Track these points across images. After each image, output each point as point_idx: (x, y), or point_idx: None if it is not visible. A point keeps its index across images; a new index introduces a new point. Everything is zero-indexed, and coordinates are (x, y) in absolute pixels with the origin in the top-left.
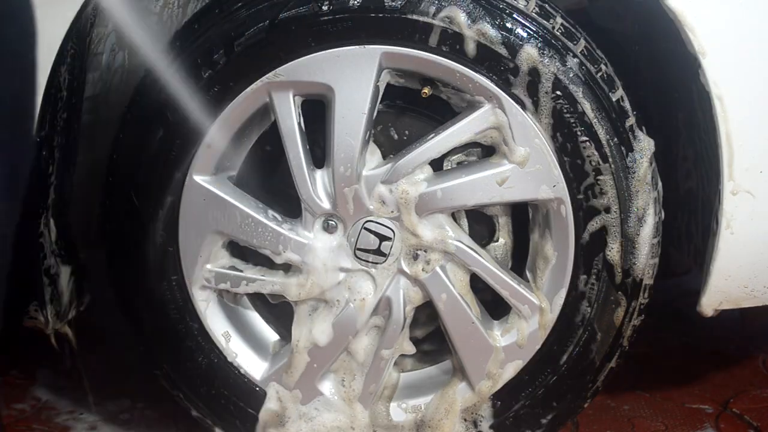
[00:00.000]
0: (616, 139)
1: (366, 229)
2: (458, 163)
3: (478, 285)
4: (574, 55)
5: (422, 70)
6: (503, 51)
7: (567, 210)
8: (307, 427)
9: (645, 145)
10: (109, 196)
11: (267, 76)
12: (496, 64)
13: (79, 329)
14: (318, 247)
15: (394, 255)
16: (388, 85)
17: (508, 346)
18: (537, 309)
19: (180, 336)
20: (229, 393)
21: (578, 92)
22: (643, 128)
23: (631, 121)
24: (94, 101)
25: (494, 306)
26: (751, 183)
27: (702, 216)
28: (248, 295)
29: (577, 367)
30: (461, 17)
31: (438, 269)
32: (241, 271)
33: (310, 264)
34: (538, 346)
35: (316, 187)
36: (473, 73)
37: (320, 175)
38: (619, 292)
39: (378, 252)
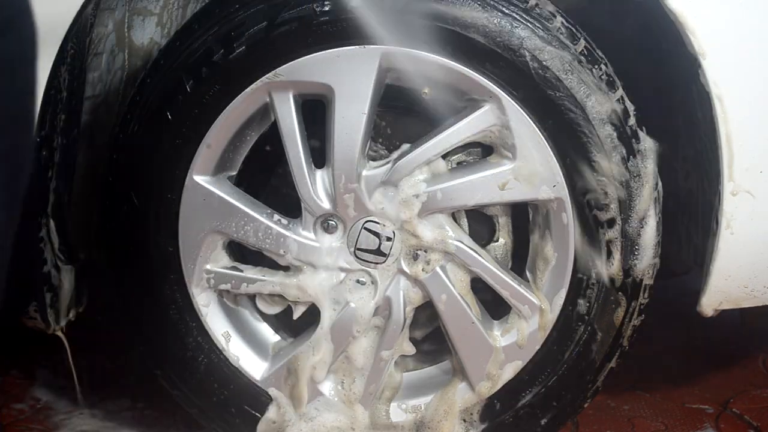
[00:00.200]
0: (616, 140)
1: (366, 229)
2: (458, 163)
3: (478, 285)
4: (574, 55)
5: (422, 70)
6: (503, 51)
7: (567, 210)
8: (307, 427)
9: (647, 145)
10: (109, 196)
11: (267, 76)
12: (496, 64)
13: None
14: (318, 247)
15: (394, 255)
16: (388, 85)
17: (507, 347)
18: (537, 309)
19: (180, 336)
20: (229, 392)
21: (579, 92)
22: (644, 128)
23: (632, 121)
24: (94, 101)
25: (494, 306)
26: (751, 183)
27: (702, 216)
28: (248, 295)
29: (577, 367)
30: None
31: (438, 269)
32: (241, 271)
33: (310, 264)
34: (537, 347)
35: (316, 187)
36: (473, 73)
37: (320, 175)
38: (620, 293)
39: (378, 252)
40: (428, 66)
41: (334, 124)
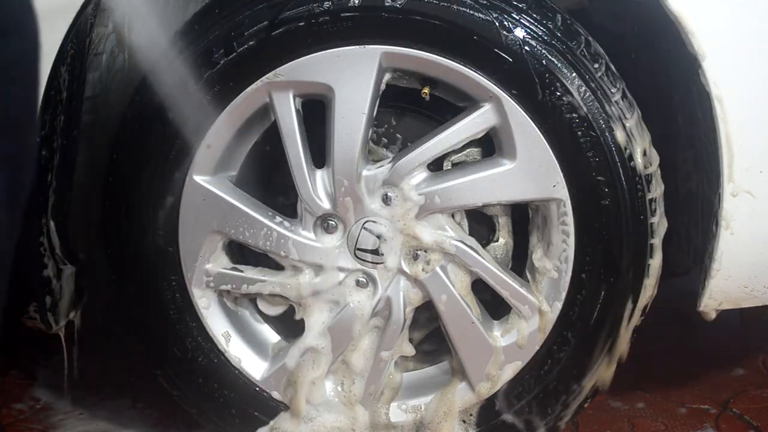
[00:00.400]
0: (616, 139)
1: (366, 229)
2: (458, 163)
3: (478, 285)
4: (575, 55)
5: (422, 70)
6: (503, 51)
7: (567, 210)
8: (307, 428)
9: (647, 144)
10: (109, 196)
11: (267, 76)
12: (496, 64)
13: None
14: (318, 247)
15: (394, 255)
16: (388, 85)
17: (507, 347)
18: (537, 309)
19: (179, 336)
20: (229, 392)
21: (578, 92)
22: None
23: (633, 121)
24: (94, 101)
25: (493, 306)
26: (751, 183)
27: (702, 217)
28: (248, 295)
29: (577, 367)
30: None
31: (438, 269)
32: (241, 271)
33: (310, 264)
34: (537, 347)
35: (316, 187)
36: (473, 73)
37: (320, 175)
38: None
39: (378, 252)
40: (428, 66)
41: (334, 124)
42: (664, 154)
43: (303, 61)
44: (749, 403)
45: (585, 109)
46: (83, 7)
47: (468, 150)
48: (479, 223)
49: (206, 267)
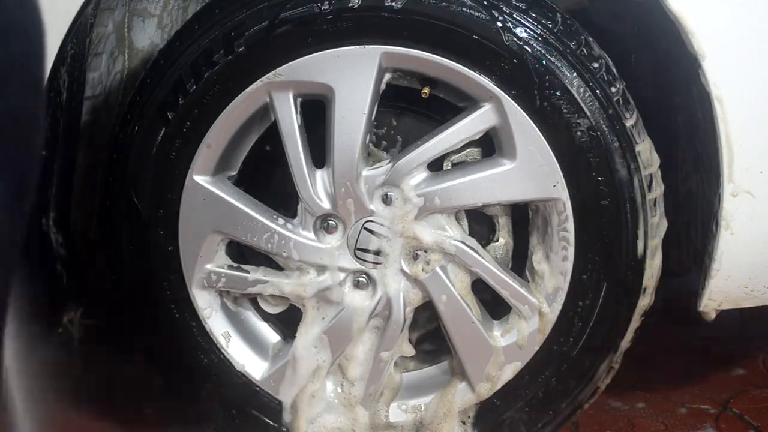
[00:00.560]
0: (615, 139)
1: (366, 229)
2: (458, 163)
3: (478, 285)
4: (575, 55)
5: (422, 70)
6: (503, 51)
7: (567, 210)
8: (309, 428)
9: (647, 145)
10: (109, 196)
11: (267, 76)
12: (496, 64)
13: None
14: (318, 247)
15: (394, 255)
16: (388, 85)
17: (507, 347)
18: (537, 310)
19: (180, 336)
20: (229, 392)
21: (578, 92)
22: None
23: (632, 121)
24: (94, 101)
25: (492, 306)
26: (751, 183)
27: (702, 217)
28: (249, 295)
29: (577, 367)
30: None
31: (438, 269)
32: (241, 271)
33: (310, 264)
34: (537, 347)
35: (316, 187)
36: (473, 73)
37: (320, 175)
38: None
39: (378, 252)
40: (428, 66)
41: (334, 124)
42: (664, 154)
43: (303, 61)
44: (749, 403)
45: (585, 109)
46: (83, 7)
47: (468, 150)
48: (479, 223)
49: (206, 267)
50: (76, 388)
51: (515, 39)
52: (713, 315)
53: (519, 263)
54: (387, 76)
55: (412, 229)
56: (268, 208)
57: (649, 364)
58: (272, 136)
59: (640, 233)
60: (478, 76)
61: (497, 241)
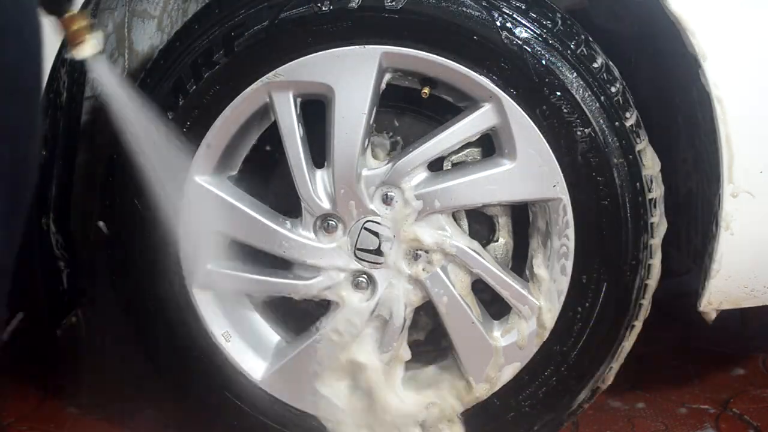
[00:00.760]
0: (615, 139)
1: (366, 229)
2: (458, 163)
3: (478, 285)
4: (575, 55)
5: (422, 70)
6: (503, 51)
7: (567, 210)
8: None
9: (646, 145)
10: (109, 196)
11: (267, 76)
12: (496, 64)
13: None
14: (318, 247)
15: (394, 255)
16: (389, 85)
17: (507, 347)
18: (537, 310)
19: (180, 336)
20: (229, 392)
21: (578, 92)
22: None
23: (632, 121)
24: (94, 101)
25: (491, 306)
26: (750, 183)
27: (701, 217)
28: (248, 295)
29: (577, 368)
30: None
31: (438, 270)
32: (241, 271)
33: (310, 264)
34: (536, 348)
35: (316, 187)
36: (473, 73)
37: (320, 175)
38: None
39: (378, 252)
40: (428, 66)
41: (334, 124)
42: (664, 155)
43: (303, 61)
44: (749, 403)
45: (585, 109)
46: (83, 7)
47: (468, 150)
48: (479, 223)
49: (206, 267)
50: (76, 388)
51: (515, 39)
52: (713, 315)
53: (519, 263)
54: (387, 76)
55: (412, 229)
56: (268, 208)
57: (649, 364)
58: (272, 136)
59: (640, 233)
60: (478, 76)
61: (497, 241)
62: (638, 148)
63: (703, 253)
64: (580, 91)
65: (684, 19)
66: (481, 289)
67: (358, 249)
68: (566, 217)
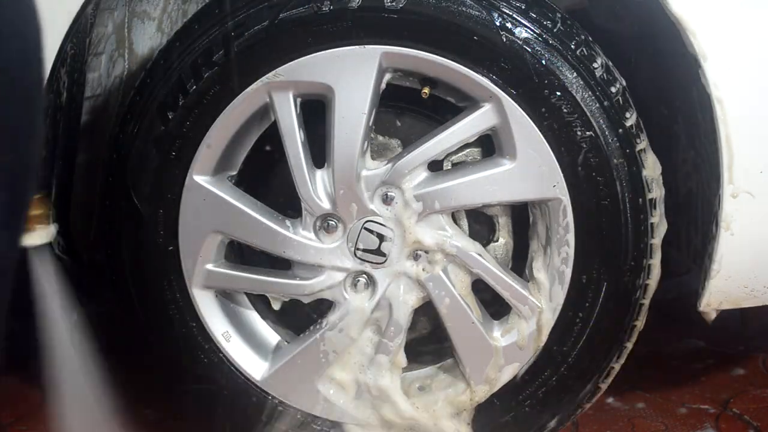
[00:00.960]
0: (615, 139)
1: (366, 229)
2: (458, 163)
3: (478, 285)
4: (575, 55)
5: (422, 70)
6: (503, 51)
7: (567, 210)
8: None
9: (646, 145)
10: (109, 196)
11: (267, 76)
12: (496, 64)
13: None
14: (318, 246)
15: (394, 255)
16: (389, 85)
17: (507, 347)
18: (537, 310)
19: (180, 336)
20: (229, 392)
21: (578, 92)
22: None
23: (632, 121)
24: (94, 101)
25: (491, 305)
26: (750, 183)
27: (702, 217)
28: (248, 295)
29: (577, 368)
30: None
31: (439, 270)
32: (241, 271)
33: (310, 264)
34: (537, 348)
35: (316, 187)
36: (473, 73)
37: (320, 175)
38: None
39: (378, 252)
40: (428, 66)
41: (334, 124)
42: (665, 155)
43: (303, 61)
44: (749, 403)
45: (585, 109)
46: (83, 7)
47: (468, 150)
48: (479, 223)
49: (206, 267)
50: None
51: (515, 39)
52: (713, 315)
53: (519, 263)
54: (387, 76)
55: (412, 230)
56: (268, 208)
57: (649, 364)
58: (272, 136)
59: (640, 233)
60: (478, 76)
61: (497, 241)
62: (638, 148)
63: (703, 254)
64: (580, 92)
65: (684, 20)
66: (482, 290)
67: (359, 249)
68: (566, 217)
